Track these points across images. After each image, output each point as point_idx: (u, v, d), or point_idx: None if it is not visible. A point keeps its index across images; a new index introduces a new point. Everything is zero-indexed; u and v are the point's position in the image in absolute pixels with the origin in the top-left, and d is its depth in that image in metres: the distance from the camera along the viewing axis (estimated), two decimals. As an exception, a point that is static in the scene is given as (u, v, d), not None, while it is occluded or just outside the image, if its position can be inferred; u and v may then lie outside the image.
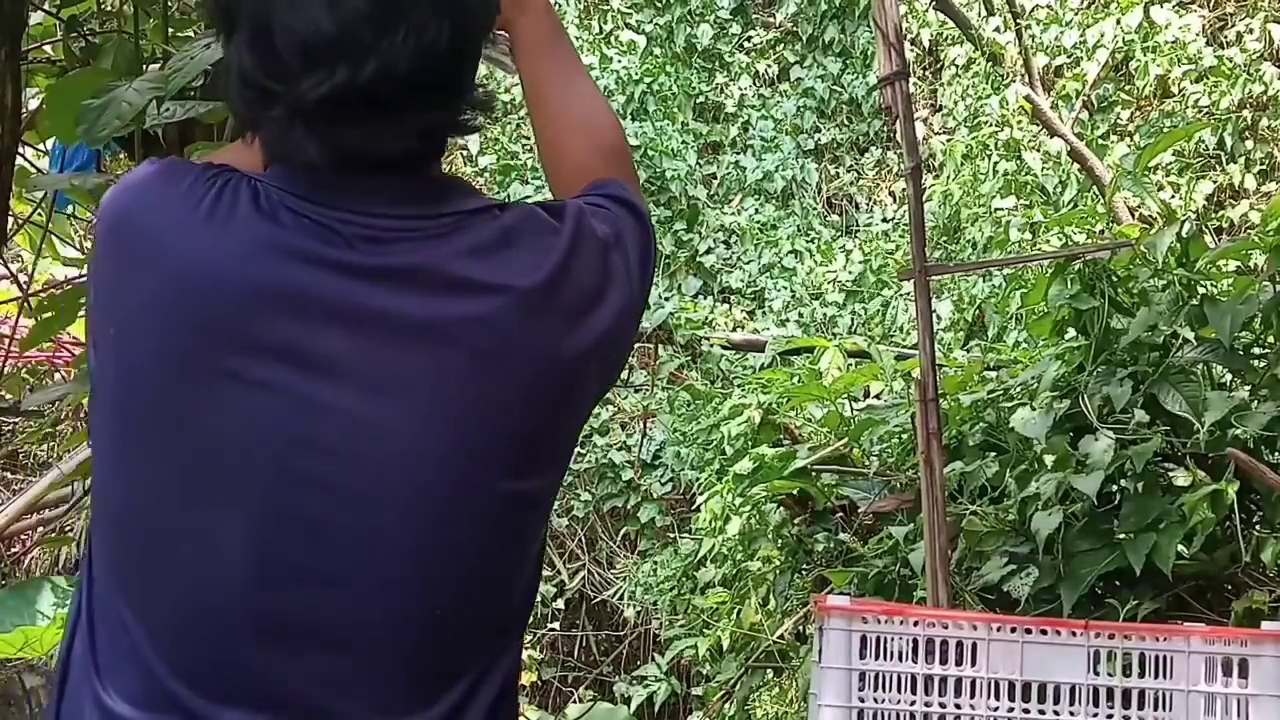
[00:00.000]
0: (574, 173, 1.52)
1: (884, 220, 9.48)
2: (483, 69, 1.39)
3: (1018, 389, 3.88)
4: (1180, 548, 3.21)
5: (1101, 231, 5.08)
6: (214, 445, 1.24)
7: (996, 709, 2.59)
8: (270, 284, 1.24)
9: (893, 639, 2.63)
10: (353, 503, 1.24)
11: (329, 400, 1.24)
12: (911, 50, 8.97)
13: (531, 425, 1.30)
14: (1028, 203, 7.99)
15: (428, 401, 1.25)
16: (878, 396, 4.84)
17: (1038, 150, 8.05)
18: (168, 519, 1.25)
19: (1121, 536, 3.26)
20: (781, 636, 4.60)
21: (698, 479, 6.10)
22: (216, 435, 1.23)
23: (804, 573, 4.34)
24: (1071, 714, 2.57)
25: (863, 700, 2.63)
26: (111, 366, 1.27)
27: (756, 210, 9.50)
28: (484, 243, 1.29)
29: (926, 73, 9.44)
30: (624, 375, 8.56)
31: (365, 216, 1.26)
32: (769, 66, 10.12)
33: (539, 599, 8.37)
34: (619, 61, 9.36)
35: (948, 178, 8.44)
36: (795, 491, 4.32)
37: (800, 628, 4.50)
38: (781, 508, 4.46)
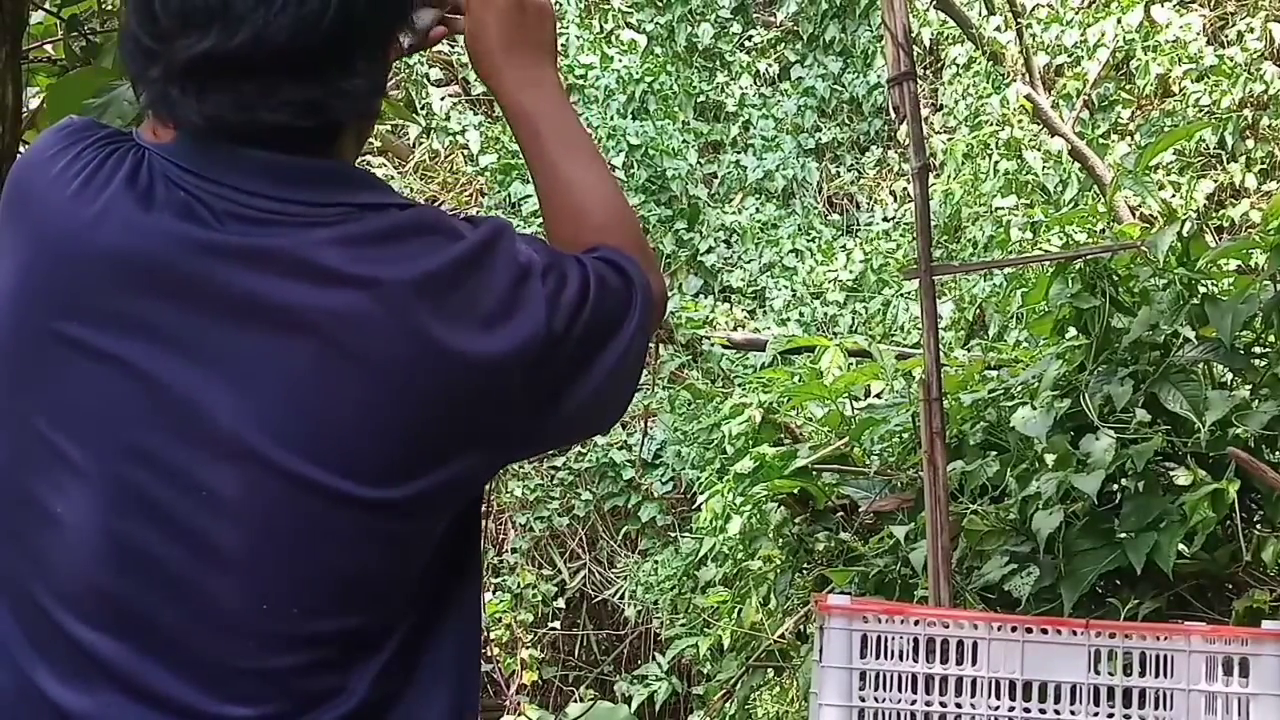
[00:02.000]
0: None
1: (885, 219, 9.48)
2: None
3: (1018, 388, 3.89)
4: (1181, 547, 3.22)
5: (1102, 231, 5.07)
6: (58, 416, 1.22)
7: (997, 708, 2.59)
8: (124, 256, 1.21)
9: (893, 638, 2.63)
10: (189, 489, 1.19)
11: (170, 378, 1.20)
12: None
13: (392, 428, 1.21)
14: (1028, 202, 7.99)
15: (266, 388, 1.20)
16: (878, 396, 4.84)
17: (1038, 149, 8.05)
18: (7, 487, 1.24)
19: (1122, 536, 3.27)
20: (782, 636, 4.60)
21: (698, 478, 6.10)
22: (59, 405, 1.21)
23: (805, 572, 4.34)
24: (1072, 713, 2.57)
25: (863, 699, 2.63)
26: None
27: (757, 209, 9.49)
28: (363, 235, 1.23)
29: (927, 72, 9.43)
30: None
31: (244, 194, 1.23)
32: (770, 65, 10.12)
33: (539, 598, 8.35)
34: (619, 61, 9.36)
35: (948, 177, 8.44)
36: (796, 491, 4.33)
37: (801, 627, 4.50)
38: (782, 507, 4.46)
